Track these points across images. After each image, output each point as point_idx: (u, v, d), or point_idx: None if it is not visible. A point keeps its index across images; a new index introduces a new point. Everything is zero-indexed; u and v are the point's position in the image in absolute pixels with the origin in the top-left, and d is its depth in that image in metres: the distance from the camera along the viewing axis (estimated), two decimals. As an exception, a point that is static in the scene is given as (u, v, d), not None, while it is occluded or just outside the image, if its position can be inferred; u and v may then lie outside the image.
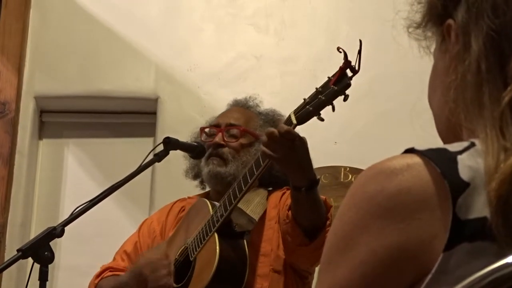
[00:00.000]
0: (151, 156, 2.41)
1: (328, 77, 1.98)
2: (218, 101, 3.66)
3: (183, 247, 2.39)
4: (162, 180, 3.57)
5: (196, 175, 2.64)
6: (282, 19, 3.78)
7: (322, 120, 2.02)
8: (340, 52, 1.90)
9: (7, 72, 3.69)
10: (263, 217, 2.34)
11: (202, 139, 2.57)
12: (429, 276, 0.77)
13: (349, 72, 1.95)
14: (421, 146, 0.84)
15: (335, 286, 0.82)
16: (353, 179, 3.41)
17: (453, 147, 0.83)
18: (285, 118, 2.15)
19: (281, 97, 3.64)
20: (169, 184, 3.54)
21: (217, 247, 2.20)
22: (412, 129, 3.40)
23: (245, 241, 2.30)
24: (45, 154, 3.84)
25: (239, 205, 2.31)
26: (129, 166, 2.43)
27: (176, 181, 3.50)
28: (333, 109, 2.00)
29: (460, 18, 0.91)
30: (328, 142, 3.49)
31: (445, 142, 0.95)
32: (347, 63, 1.93)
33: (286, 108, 3.50)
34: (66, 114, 3.89)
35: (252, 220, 2.31)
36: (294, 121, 2.04)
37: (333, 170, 3.44)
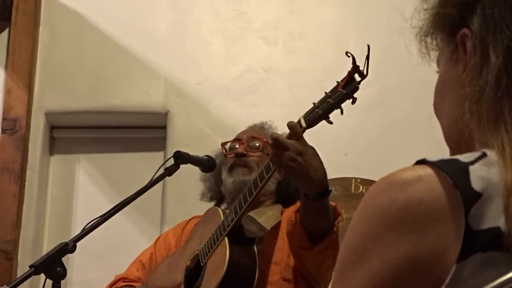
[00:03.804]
0: (161, 171, 2.41)
1: (337, 82, 2.00)
2: (228, 114, 3.67)
3: (194, 254, 2.40)
4: (173, 194, 3.57)
5: (212, 198, 2.63)
6: (291, 32, 3.79)
7: (330, 123, 2.03)
8: (349, 56, 1.93)
9: (18, 89, 3.71)
10: (276, 228, 2.34)
11: (223, 152, 2.58)
12: (443, 287, 0.76)
13: (357, 77, 1.96)
14: (432, 156, 0.83)
15: None
16: (364, 190, 3.40)
17: (465, 157, 0.83)
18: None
19: (290, 110, 3.64)
20: (180, 198, 3.54)
21: (227, 251, 2.21)
22: (422, 139, 3.40)
23: (255, 247, 2.30)
24: (56, 169, 3.85)
25: (252, 214, 2.32)
26: (140, 181, 2.43)
27: (187, 195, 3.51)
28: (342, 112, 2.01)
29: (478, 28, 0.90)
30: (338, 153, 3.49)
31: (454, 153, 0.94)
32: (355, 68, 1.95)
33: (296, 120, 3.51)
34: (76, 129, 3.90)
35: (263, 228, 2.31)
36: (304, 125, 2.05)
37: (344, 182, 3.43)
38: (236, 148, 2.55)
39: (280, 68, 3.74)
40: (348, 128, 3.52)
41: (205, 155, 2.54)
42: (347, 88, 1.96)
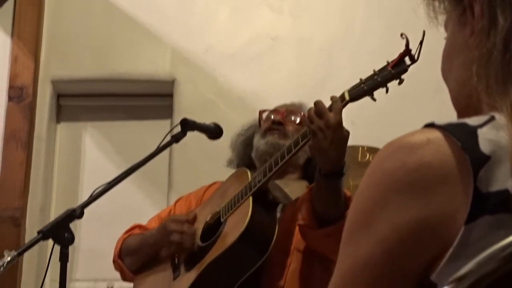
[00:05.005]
0: (168, 138, 2.41)
1: (387, 61, 2.03)
2: (234, 82, 3.66)
3: (215, 211, 2.42)
4: (180, 162, 3.58)
5: (239, 166, 2.62)
6: (297, -1, 3.77)
7: (374, 100, 2.08)
8: (403, 38, 1.96)
9: (24, 57, 3.70)
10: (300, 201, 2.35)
11: (260, 119, 2.58)
12: (451, 249, 0.76)
13: (407, 60, 2.00)
14: (440, 120, 0.83)
15: (357, 262, 0.81)
16: (371, 158, 3.40)
17: (473, 121, 0.82)
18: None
19: (297, 79, 3.63)
20: (186, 166, 3.55)
21: (250, 209, 2.22)
22: (429, 107, 3.39)
23: (277, 212, 2.32)
24: (63, 137, 3.86)
25: (279, 183, 2.33)
26: (146, 148, 2.43)
27: (194, 163, 3.52)
28: (387, 91, 2.06)
29: None
30: (345, 122, 3.47)
31: (462, 116, 0.93)
32: (407, 51, 1.99)
33: (303, 89, 3.50)
34: (83, 97, 3.91)
35: (287, 197, 2.33)
36: (347, 98, 2.09)
37: (351, 150, 3.42)
38: (274, 117, 2.55)
39: (286, 37, 3.73)
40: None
41: (212, 122, 2.53)
42: (396, 69, 2.01)
